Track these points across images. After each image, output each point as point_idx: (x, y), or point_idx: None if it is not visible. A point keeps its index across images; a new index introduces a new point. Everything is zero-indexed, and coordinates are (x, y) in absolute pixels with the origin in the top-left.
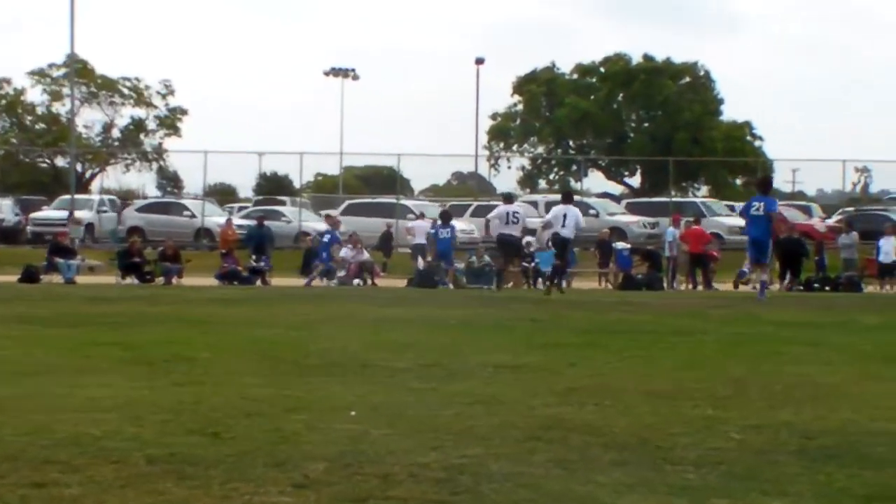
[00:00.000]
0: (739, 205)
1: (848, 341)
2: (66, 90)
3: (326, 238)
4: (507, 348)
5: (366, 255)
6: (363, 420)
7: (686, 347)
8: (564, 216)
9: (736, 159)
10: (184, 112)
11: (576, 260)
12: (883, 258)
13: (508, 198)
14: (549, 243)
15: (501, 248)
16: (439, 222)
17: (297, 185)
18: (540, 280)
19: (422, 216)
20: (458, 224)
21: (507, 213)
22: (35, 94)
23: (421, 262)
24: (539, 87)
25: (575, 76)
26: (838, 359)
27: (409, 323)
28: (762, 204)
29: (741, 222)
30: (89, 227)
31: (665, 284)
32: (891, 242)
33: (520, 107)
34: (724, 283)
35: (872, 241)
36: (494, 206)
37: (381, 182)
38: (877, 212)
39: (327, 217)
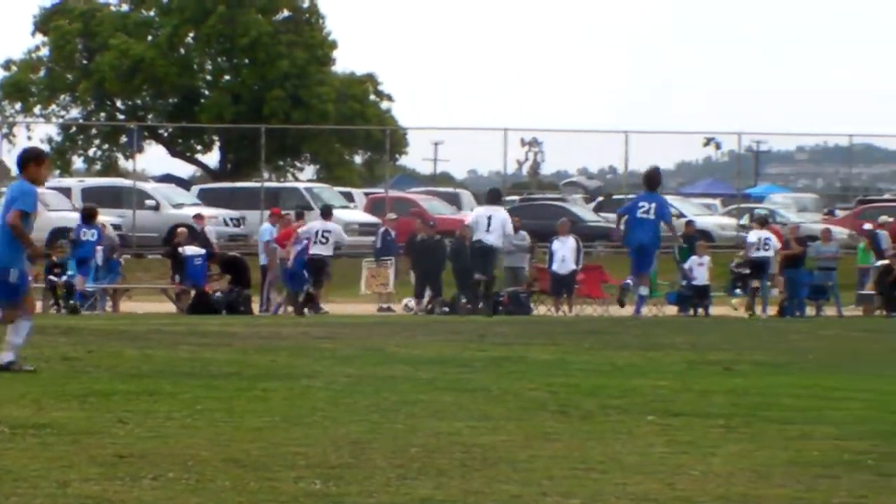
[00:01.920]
0: (358, 191)
1: (511, 386)
2: None
3: None
4: (29, 399)
5: None
6: None
7: (285, 397)
8: (489, 219)
9: (355, 127)
10: None
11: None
12: (557, 267)
13: None
14: (470, 252)
15: None
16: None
17: None
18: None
19: None
20: None
21: None
22: None
23: None
24: (72, 22)
25: (125, 7)
26: (498, 411)
27: None
28: (653, 205)
29: (363, 217)
30: None
31: (262, 306)
32: (568, 245)
33: (45, 52)
34: (345, 302)
35: (545, 243)
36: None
37: None
38: (550, 202)
39: None
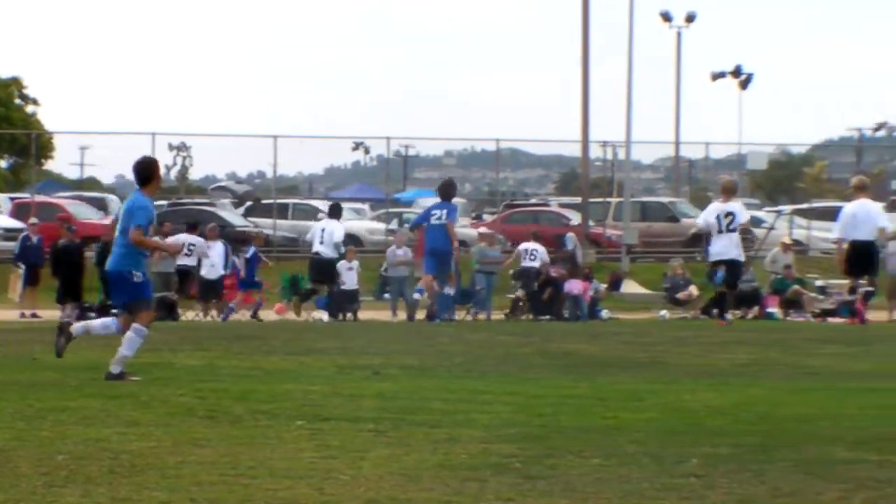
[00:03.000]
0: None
1: (159, 392)
2: None
3: None
4: None
5: None
6: None
7: None
8: (322, 231)
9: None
10: None
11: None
12: (206, 272)
13: None
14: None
15: None
16: None
17: None
18: None
19: None
20: None
21: None
22: None
23: None
24: None
25: None
26: (146, 417)
27: None
28: (444, 212)
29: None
30: None
31: None
32: (217, 250)
33: None
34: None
35: None
36: None
37: None
38: (199, 206)
39: None
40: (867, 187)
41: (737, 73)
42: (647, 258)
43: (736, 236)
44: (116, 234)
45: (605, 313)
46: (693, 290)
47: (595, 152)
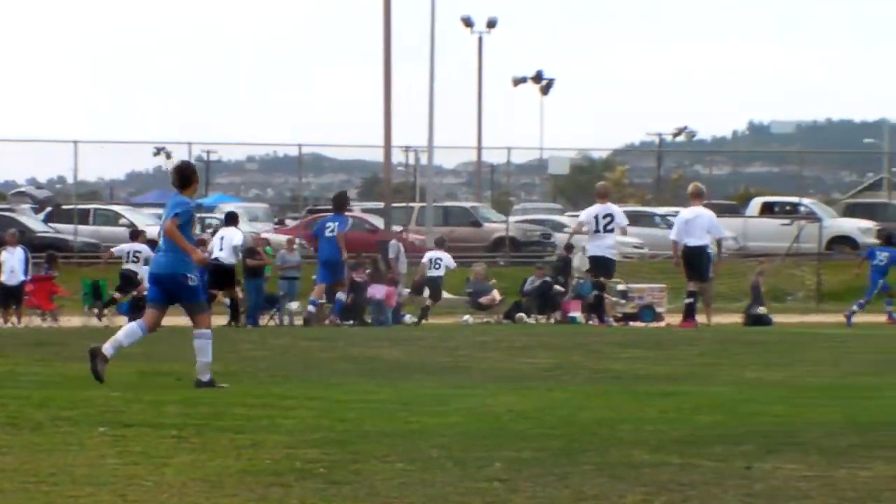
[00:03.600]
0: None
1: None
2: None
3: None
4: None
5: None
6: None
7: None
8: (221, 240)
9: None
10: None
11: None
12: (6, 278)
13: None
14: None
15: None
16: None
17: None
18: None
19: None
20: None
21: None
22: None
23: None
24: None
25: None
26: None
27: None
28: (336, 224)
29: None
30: None
31: None
32: (17, 255)
33: None
34: None
35: None
36: None
37: None
38: None
39: None
40: (702, 194)
41: (538, 78)
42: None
43: (612, 237)
44: (161, 239)
45: (408, 318)
46: (496, 294)
47: (398, 157)
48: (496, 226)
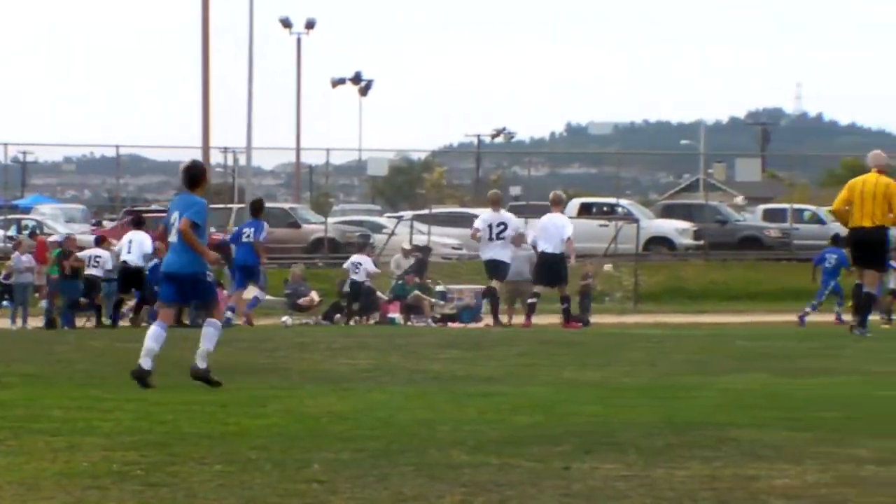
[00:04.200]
0: None
1: None
2: None
3: None
4: None
5: None
6: None
7: None
8: (129, 243)
9: None
10: None
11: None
12: None
13: None
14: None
15: None
16: None
17: None
18: None
19: None
20: None
21: None
22: None
23: None
24: None
25: None
26: None
27: None
28: (251, 230)
29: None
30: None
31: None
32: None
33: None
34: None
35: None
36: None
37: None
38: None
39: None
40: (562, 202)
41: (357, 79)
42: (270, 264)
43: (504, 243)
44: (173, 238)
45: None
46: (314, 295)
47: (216, 158)
48: (315, 227)
